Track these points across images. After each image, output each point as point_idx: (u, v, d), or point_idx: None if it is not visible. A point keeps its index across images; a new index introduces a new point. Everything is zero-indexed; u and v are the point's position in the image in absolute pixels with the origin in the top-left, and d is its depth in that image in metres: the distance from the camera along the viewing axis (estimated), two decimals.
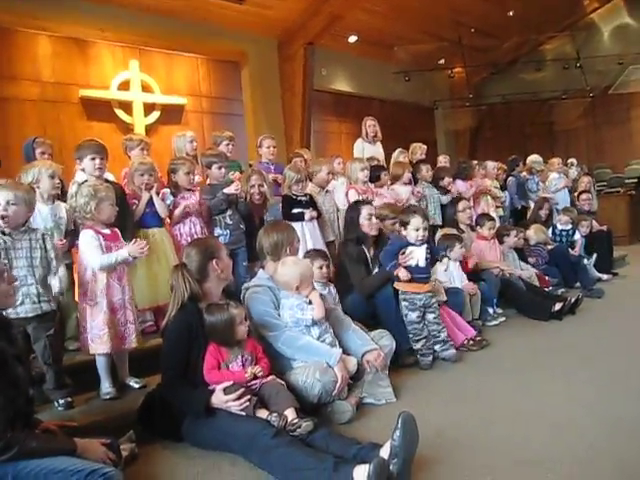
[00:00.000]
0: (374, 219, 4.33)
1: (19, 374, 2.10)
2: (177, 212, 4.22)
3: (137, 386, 3.29)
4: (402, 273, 3.87)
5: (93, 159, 3.87)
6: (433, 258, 4.17)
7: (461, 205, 5.75)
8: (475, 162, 7.06)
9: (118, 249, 3.20)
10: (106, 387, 3.16)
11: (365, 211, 4.31)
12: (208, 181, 4.66)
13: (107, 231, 3.26)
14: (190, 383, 2.67)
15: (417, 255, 3.92)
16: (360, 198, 5.12)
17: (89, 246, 3.15)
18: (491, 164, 7.23)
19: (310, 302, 3.10)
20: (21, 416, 2.08)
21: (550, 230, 6.88)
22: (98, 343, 3.10)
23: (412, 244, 3.95)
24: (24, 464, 1.94)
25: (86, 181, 3.75)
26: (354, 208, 4.43)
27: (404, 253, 3.91)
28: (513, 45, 12.58)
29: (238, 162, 5.57)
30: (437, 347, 3.87)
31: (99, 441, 2.26)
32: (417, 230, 3.94)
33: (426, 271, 3.97)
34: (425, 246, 3.96)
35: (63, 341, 3.56)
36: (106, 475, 1.96)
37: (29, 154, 4.54)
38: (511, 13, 11.44)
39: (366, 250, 4.27)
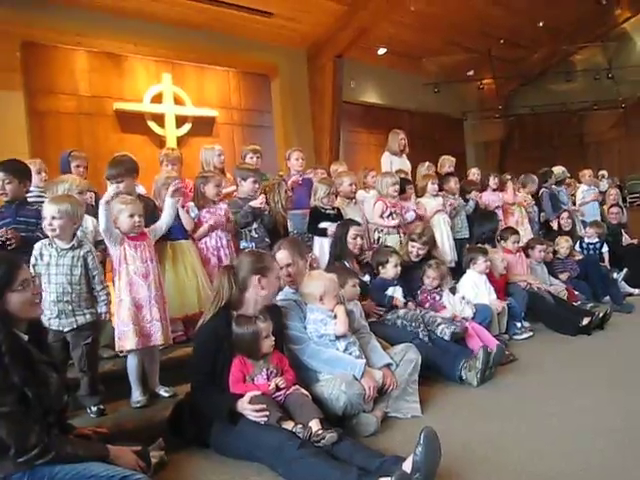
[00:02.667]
0: (359, 239, 4.47)
1: (51, 379, 2.17)
2: (201, 230, 4.30)
3: (167, 395, 3.37)
4: (399, 302, 4.23)
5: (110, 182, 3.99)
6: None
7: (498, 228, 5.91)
8: (509, 176, 7.04)
9: (145, 247, 3.34)
10: (137, 395, 3.25)
11: (352, 231, 4.43)
12: (238, 194, 4.73)
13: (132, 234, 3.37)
14: (218, 388, 2.74)
15: (398, 294, 4.30)
16: (388, 212, 5.24)
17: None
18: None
19: (335, 316, 3.14)
20: (57, 422, 2.16)
21: (577, 244, 6.82)
22: (124, 339, 3.20)
23: (392, 284, 4.32)
24: (59, 468, 2.02)
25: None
26: (343, 226, 4.52)
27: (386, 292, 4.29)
28: (543, 56, 12.51)
29: (266, 174, 5.66)
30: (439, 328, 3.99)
31: (130, 448, 2.33)
32: (396, 267, 4.36)
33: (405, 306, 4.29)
34: (400, 287, 4.35)
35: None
36: None
37: (65, 167, 4.70)
38: (541, 24, 11.36)
39: (348, 264, 4.35)
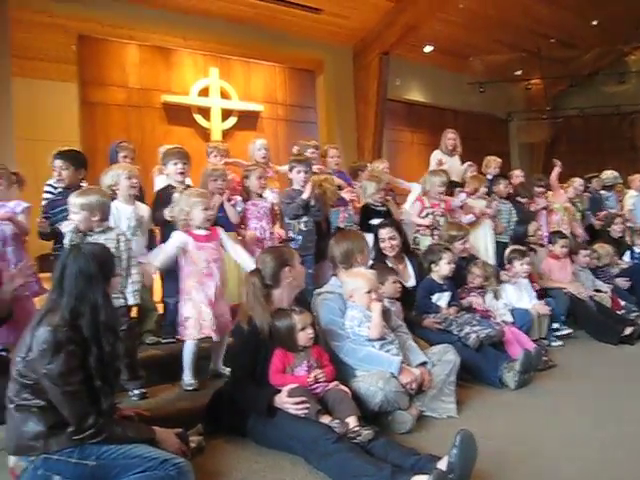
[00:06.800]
0: (392, 241, 4.30)
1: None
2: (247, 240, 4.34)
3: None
4: (430, 324, 4.01)
5: (175, 164, 4.14)
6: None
7: (531, 228, 5.71)
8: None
9: (213, 249, 3.45)
10: (189, 379, 3.34)
11: (381, 234, 4.33)
12: (292, 186, 4.75)
13: (202, 232, 3.46)
14: (257, 383, 2.79)
15: (442, 302, 4.17)
16: (425, 212, 5.20)
17: (166, 245, 3.44)
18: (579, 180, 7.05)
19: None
20: (110, 405, 2.26)
21: (628, 253, 6.63)
22: (190, 329, 3.34)
23: (440, 289, 4.19)
24: (106, 447, 2.11)
25: (169, 186, 3.99)
26: (378, 227, 4.43)
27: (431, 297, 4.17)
28: (595, 56, 12.16)
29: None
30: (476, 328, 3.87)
31: (171, 431, 2.41)
32: (449, 264, 4.23)
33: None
34: (449, 293, 4.22)
35: (140, 335, 3.78)
36: (178, 465, 2.10)
37: (113, 157, 4.85)
38: (595, 22, 11.06)
39: (390, 263, 4.24)
